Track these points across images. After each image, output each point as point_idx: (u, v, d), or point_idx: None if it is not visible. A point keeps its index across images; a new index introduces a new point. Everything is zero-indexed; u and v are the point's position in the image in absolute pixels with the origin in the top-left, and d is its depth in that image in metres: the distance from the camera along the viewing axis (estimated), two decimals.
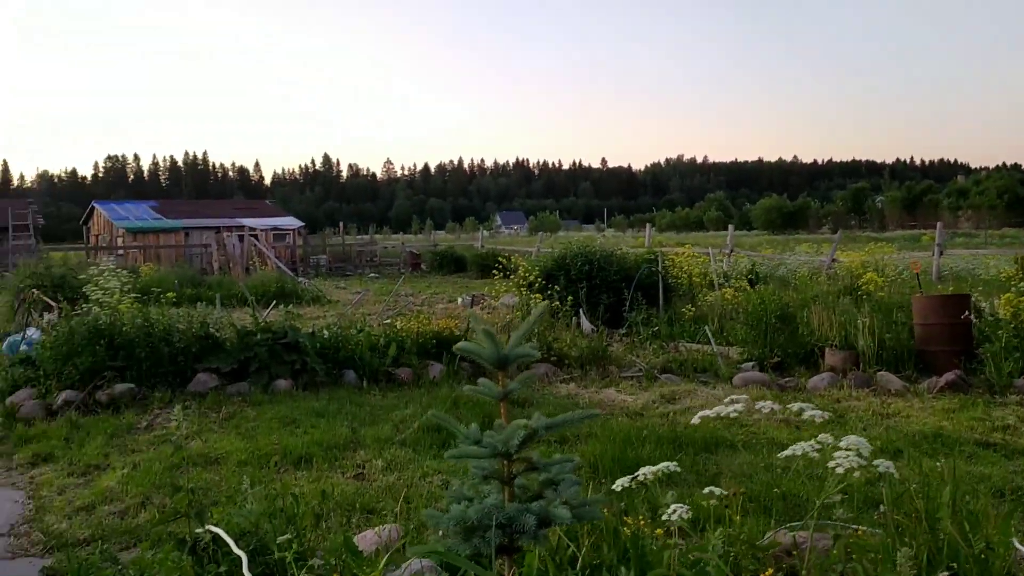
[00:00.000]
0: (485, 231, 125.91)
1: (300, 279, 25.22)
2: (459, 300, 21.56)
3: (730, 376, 9.98)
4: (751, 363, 10.68)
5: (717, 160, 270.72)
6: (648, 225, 33.68)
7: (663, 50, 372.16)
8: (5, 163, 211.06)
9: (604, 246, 15.98)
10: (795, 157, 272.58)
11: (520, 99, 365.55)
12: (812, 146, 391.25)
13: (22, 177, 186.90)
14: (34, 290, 12.22)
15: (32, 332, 12.99)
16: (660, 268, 14.37)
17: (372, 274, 37.36)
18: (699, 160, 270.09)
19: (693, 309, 13.06)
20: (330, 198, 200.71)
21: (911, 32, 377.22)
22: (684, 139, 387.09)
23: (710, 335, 11.16)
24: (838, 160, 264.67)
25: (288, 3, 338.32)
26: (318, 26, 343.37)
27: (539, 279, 12.54)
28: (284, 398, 9.08)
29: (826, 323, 11.27)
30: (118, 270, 9.84)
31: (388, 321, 11.08)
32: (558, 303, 11.45)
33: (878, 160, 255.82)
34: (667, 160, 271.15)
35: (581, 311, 13.84)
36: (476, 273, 34.54)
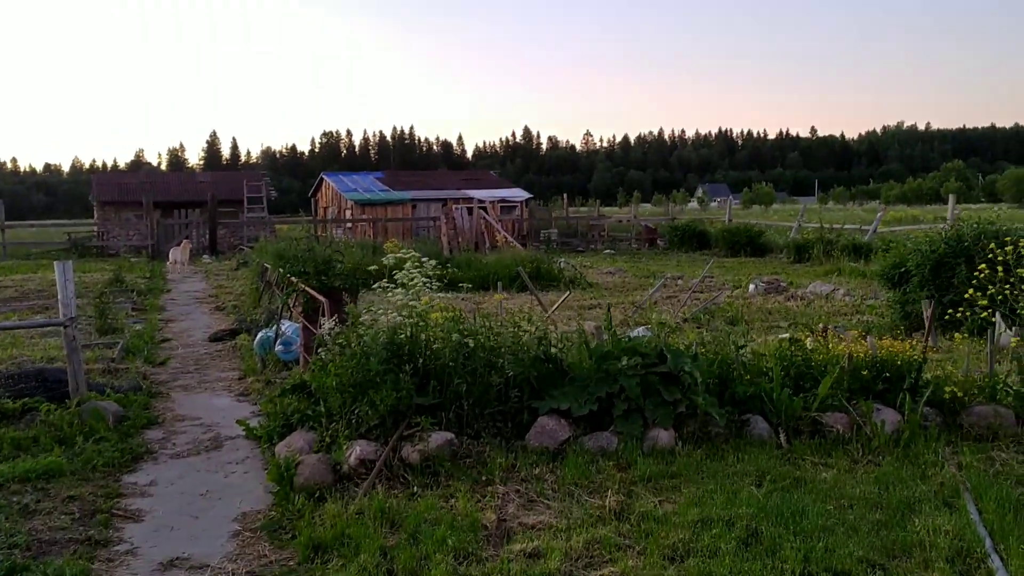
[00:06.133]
0: (696, 203, 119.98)
1: (559, 259, 22.14)
2: (750, 287, 17.69)
3: None
4: None
5: (942, 127, 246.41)
6: (951, 196, 28.07)
7: (877, 5, 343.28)
8: (234, 140, 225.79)
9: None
10: None
11: (723, 67, 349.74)
12: None
13: (248, 153, 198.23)
14: (292, 277, 9.59)
15: (287, 327, 10.48)
16: None
17: (607, 250, 34.02)
18: (920, 127, 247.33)
19: None
20: (530, 171, 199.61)
21: None
22: (903, 104, 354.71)
23: None
24: None
25: None
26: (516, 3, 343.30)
27: None
28: (687, 469, 5.73)
29: None
30: (424, 259, 6.84)
31: (785, 335, 7.49)
32: None
33: None
34: (884, 127, 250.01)
35: (999, 316, 9.76)
36: (724, 250, 30.50)
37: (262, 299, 14.55)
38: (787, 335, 7.48)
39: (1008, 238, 7.84)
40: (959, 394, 6.60)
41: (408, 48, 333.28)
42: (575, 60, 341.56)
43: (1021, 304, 6.86)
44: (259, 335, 10.84)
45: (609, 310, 7.35)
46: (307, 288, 8.97)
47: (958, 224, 11.11)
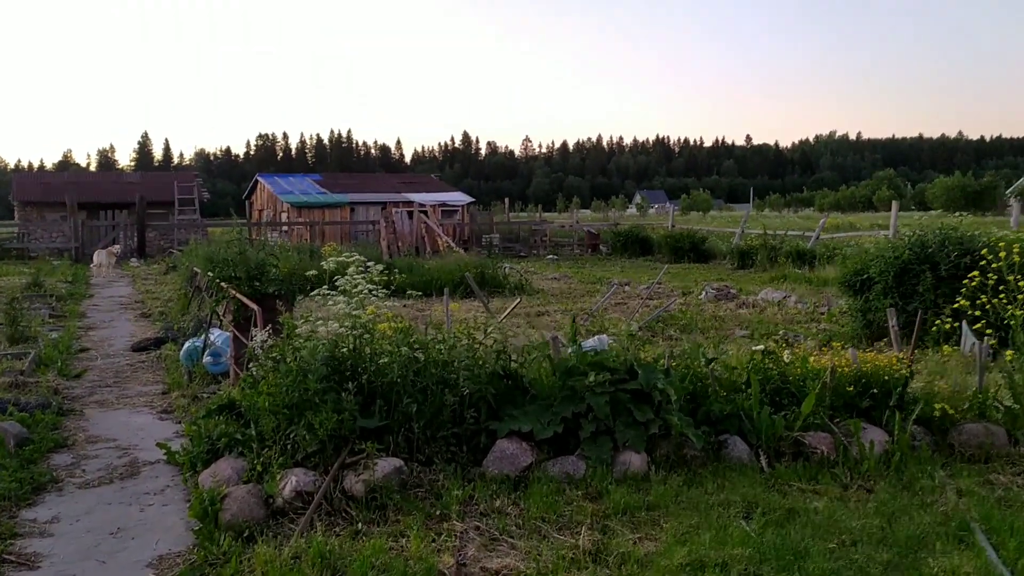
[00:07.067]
0: (635, 209, 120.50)
1: (503, 264, 21.52)
2: (702, 294, 17.32)
3: None
4: None
5: (872, 136, 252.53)
6: (894, 204, 28.12)
7: (810, 17, 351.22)
8: (167, 141, 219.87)
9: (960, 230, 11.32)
10: (960, 133, 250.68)
11: (661, 74, 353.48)
12: (979, 121, 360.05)
13: (181, 155, 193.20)
14: (223, 282, 8.79)
15: (216, 335, 9.68)
16: None
17: (550, 256, 33.53)
18: (852, 136, 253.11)
19: None
20: (469, 176, 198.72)
21: None
22: (835, 114, 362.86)
23: None
24: (1008, 136, 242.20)
25: None
26: (460, 5, 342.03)
27: None
28: (665, 499, 5.15)
29: None
30: (369, 263, 6.17)
31: (759, 347, 6.99)
32: None
33: None
34: (816, 136, 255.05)
35: (964, 325, 9.47)
36: (668, 256, 30.37)
37: (191, 305, 13.64)
38: (761, 347, 6.97)
39: (1002, 243, 7.46)
40: (950, 411, 6.16)
41: (346, 50, 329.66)
42: (515, 65, 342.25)
43: (1008, 314, 6.46)
44: (186, 345, 10.00)
45: (574, 320, 6.74)
46: (238, 294, 8.19)
47: (922, 230, 10.78)
